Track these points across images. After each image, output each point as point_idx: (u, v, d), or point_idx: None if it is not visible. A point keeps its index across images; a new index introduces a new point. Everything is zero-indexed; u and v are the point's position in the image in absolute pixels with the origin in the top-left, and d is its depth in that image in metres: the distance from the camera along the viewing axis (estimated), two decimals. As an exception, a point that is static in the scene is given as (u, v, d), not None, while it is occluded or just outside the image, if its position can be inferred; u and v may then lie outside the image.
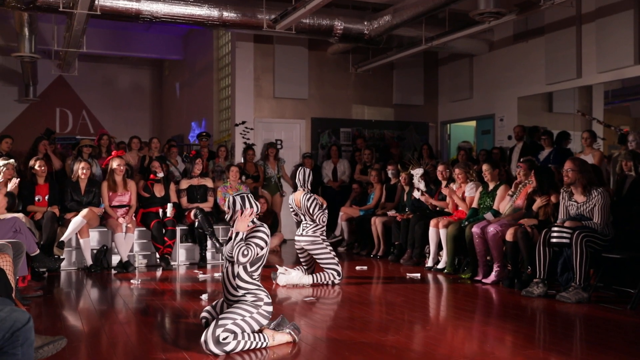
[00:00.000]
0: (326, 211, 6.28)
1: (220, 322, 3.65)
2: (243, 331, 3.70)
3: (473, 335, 4.38)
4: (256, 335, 3.74)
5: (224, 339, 3.60)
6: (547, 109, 10.24)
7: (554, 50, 9.06)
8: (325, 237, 6.29)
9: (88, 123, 15.09)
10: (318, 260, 6.18)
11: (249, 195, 4.03)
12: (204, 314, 4.18)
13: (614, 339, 4.17)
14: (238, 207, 3.94)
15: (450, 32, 8.73)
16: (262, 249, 3.87)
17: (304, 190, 6.25)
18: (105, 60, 15.02)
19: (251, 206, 3.95)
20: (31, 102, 13.86)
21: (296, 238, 6.29)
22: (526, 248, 5.76)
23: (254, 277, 3.89)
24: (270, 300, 3.92)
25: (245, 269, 3.88)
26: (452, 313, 5.24)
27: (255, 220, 4.02)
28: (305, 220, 6.27)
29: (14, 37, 9.99)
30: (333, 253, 6.25)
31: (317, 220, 6.19)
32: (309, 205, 6.17)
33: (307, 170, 6.33)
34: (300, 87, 10.66)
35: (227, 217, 4.02)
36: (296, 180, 6.35)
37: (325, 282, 6.09)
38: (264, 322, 3.87)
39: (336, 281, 6.11)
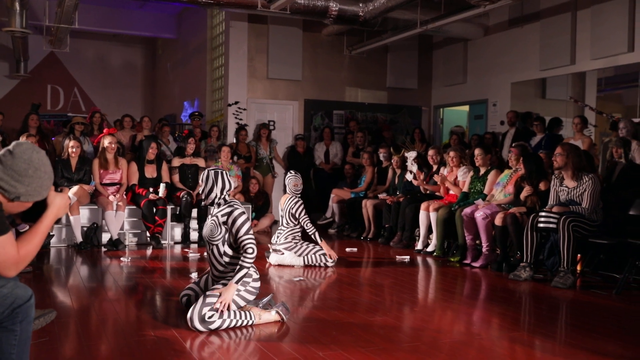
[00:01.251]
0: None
1: (207, 300, 3.67)
2: (229, 309, 3.72)
3: (460, 317, 4.42)
4: (242, 313, 3.76)
5: (210, 317, 3.62)
6: (540, 95, 10.26)
7: (549, 36, 9.05)
8: (299, 240, 6.24)
9: (80, 100, 14.99)
10: (305, 255, 6.18)
11: (223, 172, 4.01)
12: (186, 292, 4.18)
13: (599, 323, 4.22)
14: (210, 182, 3.92)
15: (446, 16, 8.70)
16: (248, 226, 3.84)
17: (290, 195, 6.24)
18: (98, 37, 14.87)
19: (223, 184, 3.94)
20: (22, 78, 13.74)
21: (271, 247, 6.28)
22: (515, 233, 5.80)
23: (240, 252, 3.88)
24: (258, 277, 3.94)
25: (231, 246, 3.89)
26: (440, 295, 5.29)
27: (226, 198, 3.99)
28: (282, 223, 6.26)
29: (4, 12, 9.87)
30: (312, 245, 6.20)
31: (304, 225, 6.14)
32: (294, 210, 6.14)
33: (293, 180, 6.24)
34: (294, 68, 10.61)
35: (200, 189, 4.01)
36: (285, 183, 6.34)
37: (317, 264, 6.10)
38: (251, 298, 3.88)
39: (329, 263, 6.11)
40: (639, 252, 5.12)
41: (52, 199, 2.40)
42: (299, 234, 6.24)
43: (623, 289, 5.08)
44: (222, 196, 3.96)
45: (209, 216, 4.01)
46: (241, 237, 3.81)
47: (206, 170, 3.99)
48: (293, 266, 6.05)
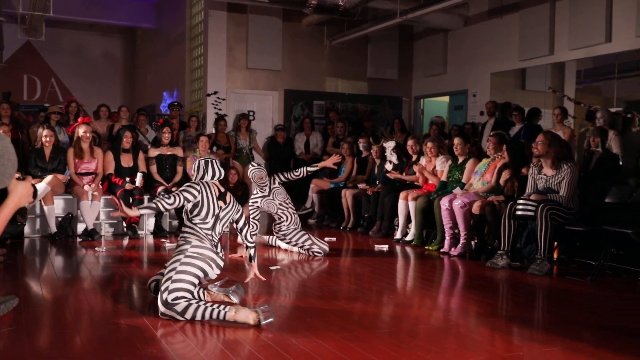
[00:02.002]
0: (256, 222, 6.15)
1: (163, 286, 3.64)
2: (185, 288, 3.64)
3: (438, 305, 4.41)
4: (214, 305, 3.65)
5: (173, 300, 3.57)
6: (520, 87, 10.30)
7: (528, 26, 9.07)
8: (289, 231, 6.19)
9: (57, 91, 14.77)
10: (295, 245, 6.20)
11: (214, 160, 4.16)
12: (154, 277, 4.12)
13: (574, 309, 4.24)
14: (202, 171, 4.10)
15: (425, 6, 8.68)
16: (187, 200, 3.99)
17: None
18: (75, 26, 14.64)
19: (213, 172, 4.12)
20: (-3, 67, 13.49)
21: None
22: (493, 221, 5.80)
23: (193, 221, 3.99)
24: (200, 244, 3.87)
25: (186, 214, 4.03)
26: (418, 283, 5.28)
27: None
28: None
29: (-23, -1, 9.68)
30: (301, 234, 6.18)
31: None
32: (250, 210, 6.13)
33: (258, 173, 6.15)
34: (273, 58, 10.53)
35: (194, 178, 4.15)
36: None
37: (310, 253, 6.08)
38: (200, 264, 3.80)
39: (316, 253, 6.08)
40: (614, 239, 5.16)
41: (14, 187, 2.33)
42: (285, 225, 6.17)
43: (598, 276, 5.10)
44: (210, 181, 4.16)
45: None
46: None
47: (197, 160, 4.18)
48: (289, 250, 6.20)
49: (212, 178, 4.13)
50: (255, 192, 6.16)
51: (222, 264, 4.01)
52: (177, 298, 3.57)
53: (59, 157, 7.11)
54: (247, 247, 4.44)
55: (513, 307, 4.48)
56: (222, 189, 4.18)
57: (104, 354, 2.98)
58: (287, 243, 6.20)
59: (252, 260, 4.48)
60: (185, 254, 3.83)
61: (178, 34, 11.96)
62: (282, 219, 6.13)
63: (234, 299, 3.91)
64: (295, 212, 6.25)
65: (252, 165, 6.29)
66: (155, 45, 13.78)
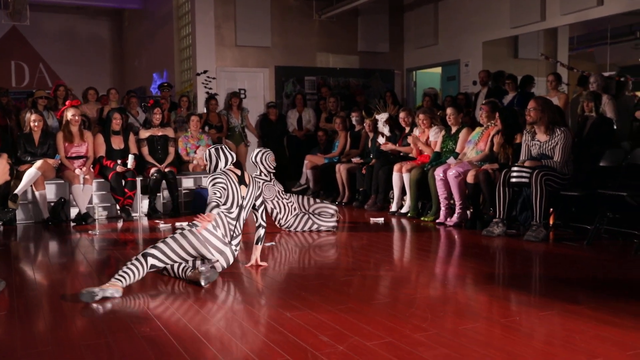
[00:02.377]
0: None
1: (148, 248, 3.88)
2: (161, 259, 3.85)
3: (435, 275, 4.40)
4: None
5: (146, 260, 3.80)
6: (512, 55, 10.19)
7: (519, -8, 8.94)
8: (296, 214, 6.13)
9: (46, 76, 14.57)
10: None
11: (222, 146, 4.24)
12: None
13: (571, 274, 4.23)
14: (214, 159, 4.14)
15: (414, -25, 8.54)
16: (224, 189, 4.04)
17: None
18: (62, 10, 14.40)
19: (226, 158, 4.16)
20: (-17, 55, 13.30)
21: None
22: (488, 189, 5.77)
23: (227, 216, 4.07)
24: (210, 229, 3.94)
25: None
26: (415, 254, 5.26)
27: (225, 170, 4.16)
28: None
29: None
30: (308, 216, 6.13)
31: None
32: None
33: (271, 155, 6.06)
34: (262, 34, 10.39)
35: (207, 169, 4.22)
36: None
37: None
38: (195, 243, 3.89)
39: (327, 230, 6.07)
40: (609, 203, 5.14)
41: None
42: (283, 216, 6.11)
43: (594, 240, 5.09)
44: (225, 168, 4.18)
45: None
46: (209, 198, 4.04)
47: (207, 150, 4.23)
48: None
49: (226, 164, 4.16)
50: (257, 172, 6.07)
51: (230, 255, 4.04)
52: (152, 265, 3.81)
53: (48, 141, 7.03)
54: (258, 226, 4.37)
55: (510, 274, 4.46)
56: (239, 172, 4.24)
57: (98, 335, 2.95)
58: (295, 232, 6.09)
59: (259, 243, 4.38)
60: (184, 231, 3.91)
61: (165, 13, 11.78)
62: (275, 210, 6.07)
63: (202, 283, 3.82)
64: (290, 201, 6.16)
65: (264, 149, 6.14)
66: (142, 26, 13.58)
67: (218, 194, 3.98)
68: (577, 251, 4.91)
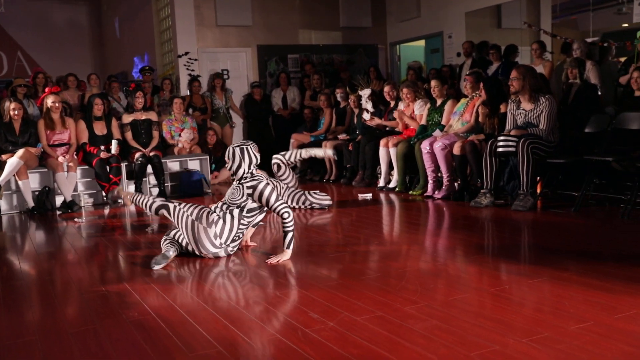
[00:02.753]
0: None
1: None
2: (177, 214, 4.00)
3: (425, 248, 4.40)
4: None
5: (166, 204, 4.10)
6: (495, 25, 10.13)
7: (500, -40, 8.86)
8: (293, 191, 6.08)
9: (25, 64, 14.33)
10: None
11: (248, 146, 4.02)
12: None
13: (559, 241, 4.24)
14: (238, 159, 3.97)
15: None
16: (275, 195, 3.95)
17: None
18: (37, -5, 14.13)
19: (250, 159, 3.98)
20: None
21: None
22: (474, 160, 5.76)
23: (245, 216, 3.98)
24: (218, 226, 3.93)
25: (241, 209, 3.96)
26: (404, 228, 5.26)
27: (253, 172, 4.02)
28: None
29: None
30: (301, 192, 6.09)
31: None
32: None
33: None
34: (243, 13, 10.24)
35: (228, 167, 4.03)
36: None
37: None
38: (196, 228, 3.95)
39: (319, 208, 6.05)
40: (596, 169, 5.14)
41: None
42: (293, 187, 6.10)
43: (581, 206, 5.10)
44: (250, 170, 3.99)
45: (235, 181, 4.04)
46: (272, 205, 3.89)
47: (230, 148, 4.02)
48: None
49: (250, 166, 3.98)
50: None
51: (223, 254, 4.02)
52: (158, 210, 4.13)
53: (29, 130, 6.92)
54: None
55: (499, 244, 4.46)
56: (265, 175, 4.25)
57: (86, 322, 2.92)
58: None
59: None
60: (198, 221, 3.95)
61: (143, -5, 11.58)
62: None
63: (152, 265, 3.85)
64: (281, 180, 6.12)
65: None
66: (121, 9, 13.36)
67: (281, 199, 3.92)
68: (564, 218, 4.93)
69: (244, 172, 3.98)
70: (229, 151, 4.01)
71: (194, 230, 3.94)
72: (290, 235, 3.88)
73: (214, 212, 3.98)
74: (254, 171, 4.02)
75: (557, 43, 8.78)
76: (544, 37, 8.85)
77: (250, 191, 3.93)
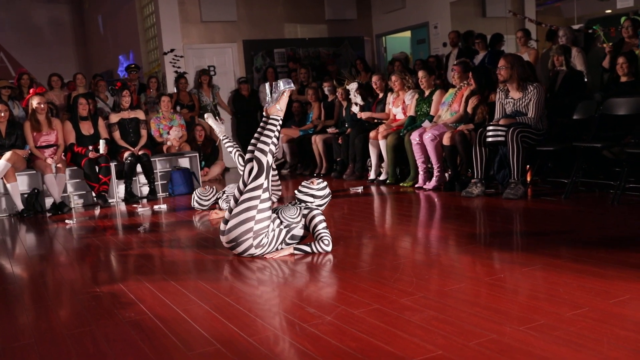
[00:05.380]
0: None
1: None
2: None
3: (418, 239, 4.41)
4: None
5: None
6: (480, 14, 10.17)
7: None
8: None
9: (7, 65, 14.17)
10: None
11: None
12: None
13: (551, 228, 4.27)
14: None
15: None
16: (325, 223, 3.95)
17: None
18: (17, -5, 13.96)
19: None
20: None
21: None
22: (464, 151, 5.78)
23: (282, 245, 3.96)
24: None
25: (287, 233, 3.94)
26: (396, 220, 5.27)
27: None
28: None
29: None
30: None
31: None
32: None
33: None
34: (228, 8, 10.20)
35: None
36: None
37: None
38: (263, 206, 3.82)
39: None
40: (585, 155, 5.18)
41: None
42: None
43: (571, 193, 5.14)
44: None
45: (295, 200, 4.16)
46: (318, 229, 3.91)
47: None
48: None
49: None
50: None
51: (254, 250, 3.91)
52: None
53: (15, 132, 6.85)
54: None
55: (491, 232, 4.49)
56: None
57: (82, 323, 2.91)
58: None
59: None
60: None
61: (126, -7, 11.49)
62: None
63: None
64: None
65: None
66: (104, 7, 13.24)
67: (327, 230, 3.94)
68: (555, 205, 4.96)
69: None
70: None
71: (247, 214, 3.77)
72: (309, 251, 3.86)
73: (272, 221, 3.89)
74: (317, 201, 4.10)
75: (541, 31, 8.82)
76: (529, 25, 8.89)
77: (306, 212, 3.98)
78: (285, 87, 3.96)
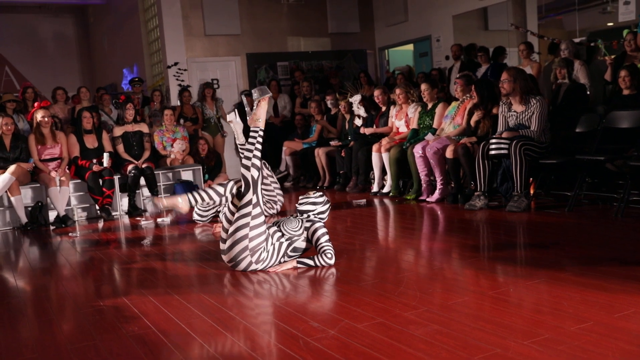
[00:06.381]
0: None
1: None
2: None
3: (421, 252, 4.41)
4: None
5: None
6: (483, 27, 10.20)
7: (486, -37, 8.92)
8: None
9: (13, 79, 14.28)
10: None
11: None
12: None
13: (554, 241, 4.26)
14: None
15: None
16: (327, 236, 3.98)
17: None
18: (23, 10, 14.10)
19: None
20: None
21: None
22: (467, 163, 5.78)
23: (284, 258, 3.97)
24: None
25: (289, 246, 3.95)
26: (399, 233, 5.27)
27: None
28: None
29: None
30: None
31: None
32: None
33: None
34: (231, 22, 10.26)
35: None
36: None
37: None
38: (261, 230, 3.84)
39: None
40: (587, 168, 5.18)
41: None
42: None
43: (574, 206, 5.14)
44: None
45: (297, 213, 4.13)
46: (321, 243, 3.92)
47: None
48: None
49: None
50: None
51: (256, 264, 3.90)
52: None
53: (20, 145, 6.89)
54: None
55: (495, 245, 4.48)
56: None
57: (85, 337, 2.91)
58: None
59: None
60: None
61: (130, 6, 11.58)
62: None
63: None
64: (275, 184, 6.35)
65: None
66: (108, 21, 13.34)
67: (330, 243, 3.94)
68: (559, 218, 4.95)
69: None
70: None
71: (240, 233, 3.76)
72: (312, 264, 3.85)
73: (271, 236, 3.89)
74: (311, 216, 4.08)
75: (544, 44, 8.85)
76: (531, 38, 8.92)
77: (308, 224, 3.97)
78: (259, 96, 3.96)
